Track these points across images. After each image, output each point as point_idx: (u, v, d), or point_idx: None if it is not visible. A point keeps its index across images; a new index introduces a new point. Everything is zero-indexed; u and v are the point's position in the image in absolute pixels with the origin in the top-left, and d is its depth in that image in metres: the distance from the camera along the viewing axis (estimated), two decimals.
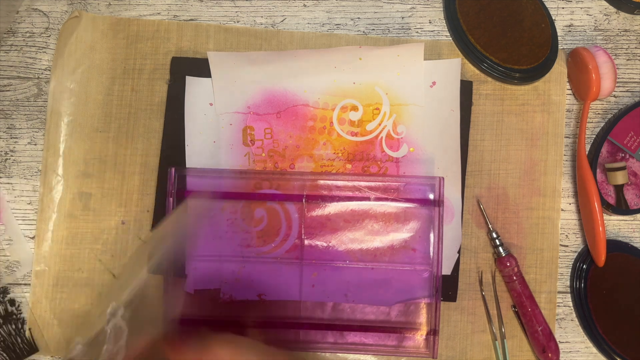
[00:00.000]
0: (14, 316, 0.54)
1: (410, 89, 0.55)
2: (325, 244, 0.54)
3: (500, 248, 0.54)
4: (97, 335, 0.42)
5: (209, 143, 0.55)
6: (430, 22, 0.58)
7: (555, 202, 0.56)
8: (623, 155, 0.55)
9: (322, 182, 0.55)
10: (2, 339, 0.54)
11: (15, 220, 0.56)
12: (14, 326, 0.54)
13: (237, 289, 0.54)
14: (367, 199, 0.54)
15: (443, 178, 0.54)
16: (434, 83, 0.56)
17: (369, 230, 0.54)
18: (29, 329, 0.54)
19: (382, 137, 0.55)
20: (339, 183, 0.54)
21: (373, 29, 0.58)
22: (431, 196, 0.54)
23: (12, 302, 0.55)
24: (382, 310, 0.55)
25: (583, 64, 0.54)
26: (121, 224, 0.56)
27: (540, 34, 0.56)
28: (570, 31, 0.58)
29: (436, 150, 0.55)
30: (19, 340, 0.54)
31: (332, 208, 0.54)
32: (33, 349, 0.54)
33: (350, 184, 0.54)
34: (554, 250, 0.56)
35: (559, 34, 0.57)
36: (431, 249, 0.54)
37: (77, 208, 0.56)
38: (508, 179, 0.56)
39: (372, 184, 0.54)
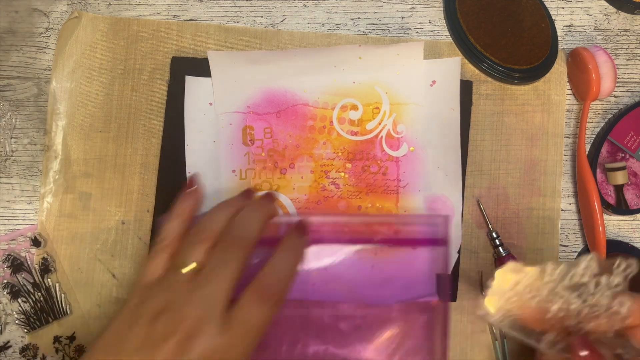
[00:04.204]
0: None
1: (410, 88, 0.55)
2: (325, 244, 0.54)
3: (500, 248, 0.54)
4: None
5: (208, 143, 0.55)
6: (430, 22, 0.58)
7: (555, 202, 0.56)
8: (623, 155, 0.55)
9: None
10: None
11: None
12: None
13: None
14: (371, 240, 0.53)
15: (448, 217, 0.53)
16: (433, 82, 0.56)
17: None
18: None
19: (382, 137, 0.55)
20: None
21: (373, 29, 0.58)
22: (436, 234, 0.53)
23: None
24: (383, 309, 0.55)
25: (583, 64, 0.54)
26: (121, 224, 0.56)
27: (540, 34, 0.56)
28: (570, 31, 0.58)
29: (436, 149, 0.55)
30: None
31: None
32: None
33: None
34: (554, 250, 0.56)
35: (559, 34, 0.58)
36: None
37: (77, 208, 0.56)
38: (508, 179, 0.56)
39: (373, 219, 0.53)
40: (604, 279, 0.40)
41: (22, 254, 0.55)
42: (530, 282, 0.42)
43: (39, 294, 0.54)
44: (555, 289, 0.41)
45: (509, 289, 0.43)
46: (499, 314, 0.43)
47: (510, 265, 0.43)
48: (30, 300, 0.54)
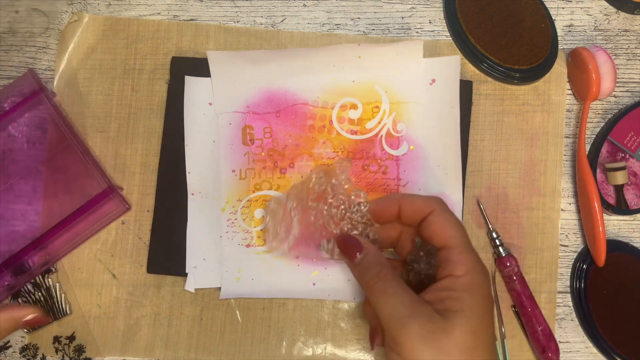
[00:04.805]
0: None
1: (410, 86, 0.55)
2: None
3: (500, 248, 0.54)
4: None
5: (208, 143, 0.55)
6: (430, 22, 0.58)
7: (555, 202, 0.56)
8: (623, 155, 0.55)
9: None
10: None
11: None
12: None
13: (237, 288, 0.54)
14: None
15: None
16: (433, 80, 0.56)
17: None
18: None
19: (382, 135, 0.55)
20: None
21: (373, 29, 0.58)
22: None
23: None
24: None
25: (583, 64, 0.54)
26: (121, 223, 0.56)
27: (540, 34, 0.56)
28: (570, 31, 0.58)
29: (436, 148, 0.55)
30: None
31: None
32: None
33: None
34: (554, 250, 0.56)
35: (559, 34, 0.58)
36: None
37: None
38: (508, 179, 0.56)
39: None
40: (335, 182, 0.48)
41: None
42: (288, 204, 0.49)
43: (39, 293, 0.54)
44: (304, 203, 0.47)
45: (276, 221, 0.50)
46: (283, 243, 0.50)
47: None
48: (30, 300, 0.54)
